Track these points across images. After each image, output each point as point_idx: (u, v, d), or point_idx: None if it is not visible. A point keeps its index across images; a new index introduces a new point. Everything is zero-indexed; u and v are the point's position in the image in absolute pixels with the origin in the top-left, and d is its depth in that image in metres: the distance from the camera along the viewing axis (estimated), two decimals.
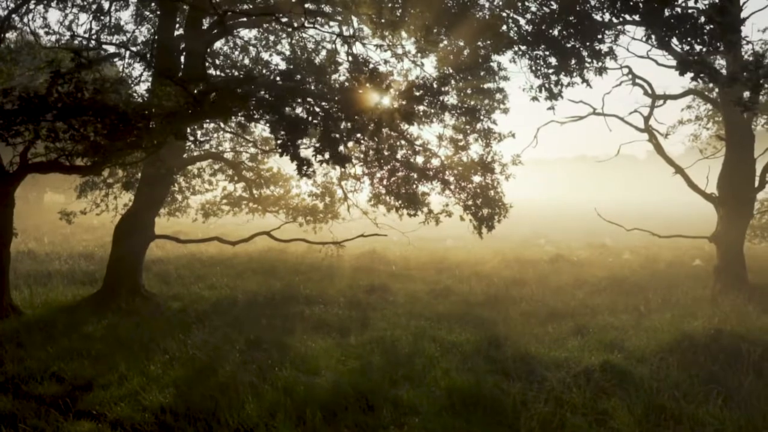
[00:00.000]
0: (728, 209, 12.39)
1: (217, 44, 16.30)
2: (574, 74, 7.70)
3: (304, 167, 6.07)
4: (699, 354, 7.08)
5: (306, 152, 8.50)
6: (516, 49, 8.26)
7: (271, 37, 16.76)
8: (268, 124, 7.17)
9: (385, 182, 12.92)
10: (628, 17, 6.68)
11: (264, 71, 11.92)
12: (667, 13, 6.19)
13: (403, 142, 12.11)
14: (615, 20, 6.76)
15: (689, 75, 6.55)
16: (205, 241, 13.34)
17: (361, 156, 12.92)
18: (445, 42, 11.47)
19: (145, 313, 10.53)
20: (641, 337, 8.16)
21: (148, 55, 13.38)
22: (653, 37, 6.52)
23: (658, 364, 7.04)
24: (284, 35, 16.39)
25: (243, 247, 19.68)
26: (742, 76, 6.56)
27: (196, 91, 6.01)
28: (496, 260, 16.87)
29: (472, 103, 12.80)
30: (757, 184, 12.37)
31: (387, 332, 9.32)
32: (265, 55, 16.76)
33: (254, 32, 16.20)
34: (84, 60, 6.79)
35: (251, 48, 16.93)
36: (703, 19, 6.10)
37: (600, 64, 7.89)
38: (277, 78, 10.08)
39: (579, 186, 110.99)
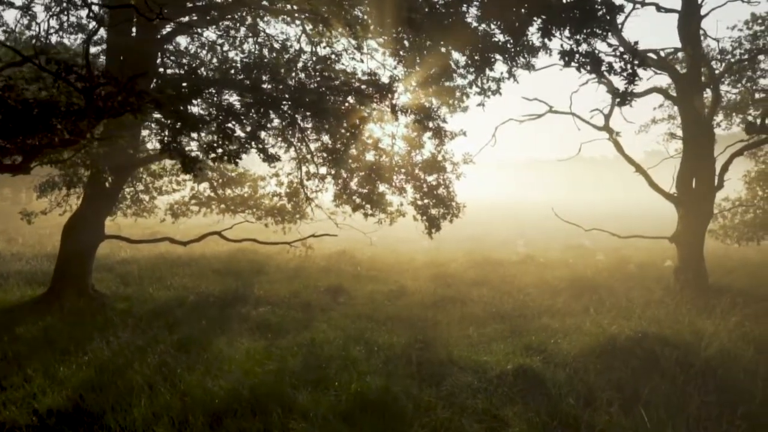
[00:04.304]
0: (687, 209, 12.10)
1: (183, 43, 16.24)
2: (498, 70, 7.49)
3: (191, 164, 5.93)
4: (617, 358, 6.86)
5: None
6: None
7: (239, 36, 16.65)
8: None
9: (341, 181, 12.85)
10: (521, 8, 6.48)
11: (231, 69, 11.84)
12: (553, 3, 5.98)
13: (355, 141, 12.00)
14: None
15: (574, 65, 6.36)
16: (156, 242, 13.21)
17: (324, 155, 12.88)
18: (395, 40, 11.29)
19: (87, 314, 10.42)
20: (571, 340, 7.93)
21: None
22: (549, 28, 6.32)
23: (576, 369, 6.82)
24: (251, 34, 16.29)
25: (212, 247, 19.66)
26: (619, 66, 6.34)
27: (81, 87, 5.86)
28: (464, 261, 16.64)
29: (432, 100, 12.64)
30: (716, 183, 12.06)
31: (321, 334, 9.16)
32: (232, 54, 16.69)
33: (218, 31, 16.10)
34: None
35: (218, 47, 16.84)
36: (573, 8, 5.89)
37: (530, 58, 7.66)
38: (238, 74, 9.99)
39: (580, 186, 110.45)
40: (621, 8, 5.99)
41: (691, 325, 7.77)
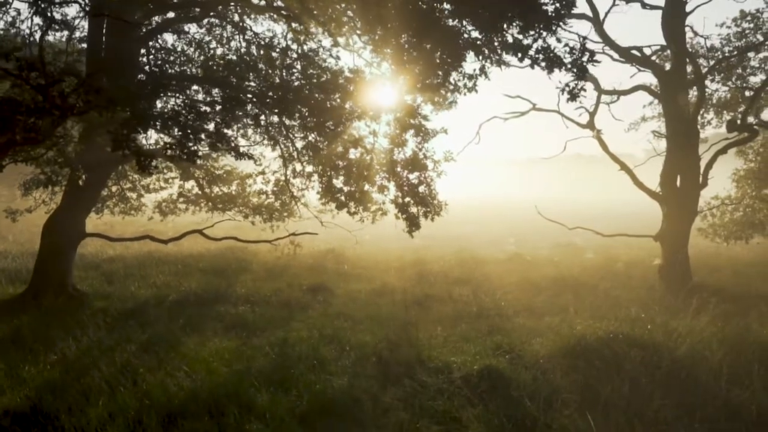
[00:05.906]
0: (671, 207, 11.98)
1: (170, 41, 16.11)
2: (473, 67, 7.38)
3: (146, 163, 5.86)
4: (584, 359, 6.77)
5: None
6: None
7: (225, 34, 16.57)
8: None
9: (325, 179, 12.80)
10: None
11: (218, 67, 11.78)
12: None
13: (337, 138, 11.96)
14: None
15: (527, 62, 6.25)
16: (136, 240, 13.15)
17: (310, 153, 12.85)
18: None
19: (64, 312, 10.38)
20: (543, 340, 7.85)
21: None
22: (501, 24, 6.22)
23: (543, 370, 6.75)
24: (236, 31, 16.22)
25: (202, 244, 19.63)
26: (568, 61, 6.20)
27: (36, 84, 5.80)
28: (451, 260, 16.56)
29: (417, 97, 12.56)
30: (701, 181, 11.93)
31: (295, 334, 9.10)
32: (219, 51, 16.62)
33: (201, 29, 16.02)
34: None
35: (205, 45, 16.76)
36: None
37: (502, 55, 7.53)
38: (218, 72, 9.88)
39: (583, 184, 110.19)
40: (572, 3, 5.87)
41: (664, 325, 7.68)
